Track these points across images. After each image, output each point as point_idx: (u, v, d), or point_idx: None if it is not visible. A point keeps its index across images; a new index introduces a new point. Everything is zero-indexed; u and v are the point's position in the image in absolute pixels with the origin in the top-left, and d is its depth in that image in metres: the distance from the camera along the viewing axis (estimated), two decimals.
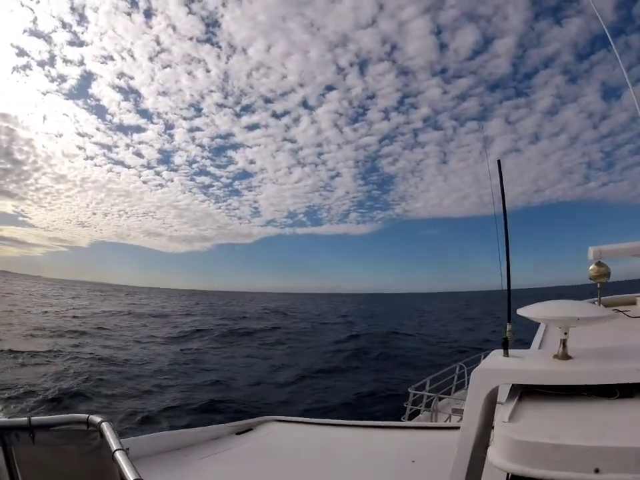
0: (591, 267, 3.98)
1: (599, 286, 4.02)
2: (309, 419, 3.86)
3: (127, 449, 1.45)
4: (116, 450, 1.45)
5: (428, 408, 5.64)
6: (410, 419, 5.47)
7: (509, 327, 1.90)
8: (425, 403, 5.70)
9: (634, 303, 4.74)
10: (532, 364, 1.65)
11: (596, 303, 4.14)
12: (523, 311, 1.70)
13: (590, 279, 4.03)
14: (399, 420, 5.41)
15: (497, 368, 1.64)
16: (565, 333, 1.62)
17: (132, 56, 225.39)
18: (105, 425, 1.60)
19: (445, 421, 4.99)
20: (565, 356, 1.60)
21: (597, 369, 1.49)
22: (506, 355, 1.75)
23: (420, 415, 5.73)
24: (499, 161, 2.20)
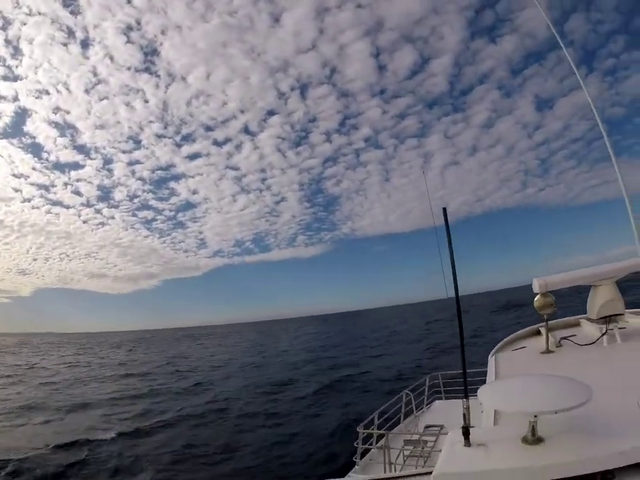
0: (536, 299, 3.97)
1: (545, 317, 3.98)
2: None
3: None
4: None
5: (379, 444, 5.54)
6: (362, 457, 5.37)
7: (465, 403, 1.63)
8: (376, 438, 5.55)
9: (578, 325, 4.82)
10: (499, 456, 1.46)
11: (542, 330, 4.13)
12: (484, 397, 1.47)
13: (535, 309, 3.98)
14: (352, 460, 5.33)
15: (460, 471, 1.35)
16: (535, 416, 1.41)
17: (67, 89, 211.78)
18: None
19: (397, 457, 4.89)
20: (535, 440, 1.47)
21: (575, 459, 1.35)
22: (467, 444, 1.54)
23: (372, 451, 5.56)
24: (444, 209, 2.11)
